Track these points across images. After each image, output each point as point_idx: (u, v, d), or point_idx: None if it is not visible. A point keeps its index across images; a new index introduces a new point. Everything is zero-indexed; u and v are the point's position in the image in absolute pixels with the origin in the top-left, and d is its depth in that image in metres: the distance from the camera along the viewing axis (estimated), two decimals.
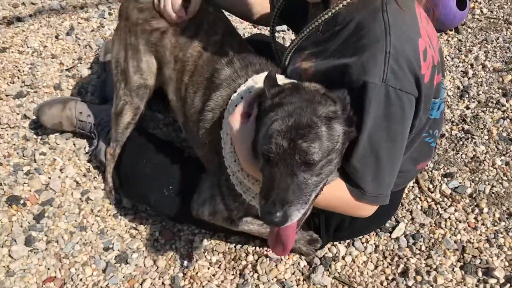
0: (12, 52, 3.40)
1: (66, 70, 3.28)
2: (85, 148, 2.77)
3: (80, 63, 3.33)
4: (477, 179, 2.59)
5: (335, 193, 1.71)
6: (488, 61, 3.25)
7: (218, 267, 2.28)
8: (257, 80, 1.85)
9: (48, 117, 2.72)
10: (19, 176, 2.60)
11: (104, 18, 3.73)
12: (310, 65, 1.82)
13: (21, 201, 2.49)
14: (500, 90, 3.05)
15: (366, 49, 1.56)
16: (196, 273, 2.25)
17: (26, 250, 2.30)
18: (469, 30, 3.50)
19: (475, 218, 2.42)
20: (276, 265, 2.25)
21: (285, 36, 3.58)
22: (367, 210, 1.80)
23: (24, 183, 2.58)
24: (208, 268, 2.28)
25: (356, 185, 1.70)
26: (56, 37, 3.52)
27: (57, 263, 2.28)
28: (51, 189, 2.57)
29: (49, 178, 2.62)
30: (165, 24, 2.15)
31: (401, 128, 1.63)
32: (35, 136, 2.84)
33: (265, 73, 1.85)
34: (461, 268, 2.24)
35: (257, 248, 2.33)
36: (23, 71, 3.25)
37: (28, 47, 3.44)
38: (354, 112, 1.56)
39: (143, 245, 2.36)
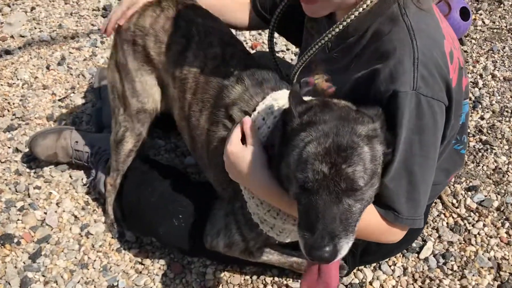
0: (1, 85, 3.23)
1: (59, 100, 3.12)
2: (82, 179, 2.59)
3: (74, 92, 3.17)
4: (503, 191, 2.44)
5: (365, 218, 1.49)
6: (497, 70, 3.15)
7: None
8: (277, 97, 1.69)
9: (42, 148, 2.54)
10: (12, 212, 2.40)
11: (96, 47, 3.59)
12: (327, 84, 1.69)
13: (15, 240, 2.28)
14: None
15: (391, 56, 1.44)
16: None
17: None
18: (473, 41, 3.42)
19: (507, 233, 2.26)
20: None
21: (285, 56, 3.46)
22: (397, 235, 1.63)
23: (18, 220, 2.38)
24: None
25: (388, 207, 1.53)
26: (47, 67, 3.37)
27: None
28: (47, 225, 2.37)
29: (45, 213, 2.42)
30: (150, 40, 2.00)
31: (434, 140, 1.49)
32: (28, 170, 2.66)
33: (285, 90, 1.72)
34: (499, 287, 2.06)
35: (276, 278, 2.14)
36: (13, 103, 3.08)
37: (18, 79, 3.28)
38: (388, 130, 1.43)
39: (151, 281, 2.16)
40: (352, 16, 1.51)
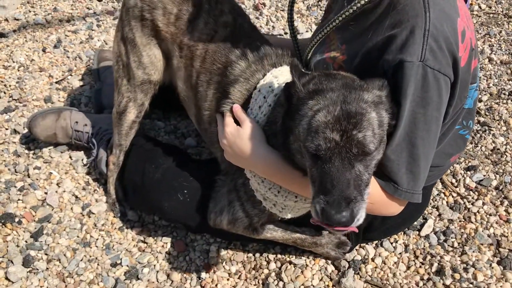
0: None
1: (56, 82, 3.09)
2: (82, 160, 2.57)
3: (71, 75, 3.15)
4: (501, 170, 2.47)
5: None
6: (494, 54, 3.18)
7: (239, 278, 2.09)
8: (277, 75, 1.70)
9: (42, 129, 2.51)
10: (12, 192, 2.38)
11: (93, 30, 3.56)
12: (340, 52, 1.69)
13: (16, 219, 2.27)
14: (510, 82, 2.97)
15: (403, 25, 1.44)
16: (216, 285, 2.05)
17: (25, 271, 2.08)
18: None
19: (506, 211, 2.29)
20: (302, 271, 2.07)
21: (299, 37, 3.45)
22: (395, 208, 1.63)
23: (18, 199, 2.36)
24: (228, 279, 2.09)
25: (388, 179, 1.55)
26: (43, 50, 3.33)
27: (61, 284, 2.06)
28: (48, 205, 2.35)
29: (45, 193, 2.40)
30: (158, 13, 1.99)
31: (437, 115, 1.50)
32: (26, 151, 2.63)
33: (285, 67, 1.73)
34: (499, 263, 2.09)
35: (279, 255, 2.15)
36: (10, 85, 3.05)
37: (13, 62, 3.24)
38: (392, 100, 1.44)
39: (154, 259, 2.16)
40: None
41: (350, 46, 1.64)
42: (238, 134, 1.65)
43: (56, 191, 2.42)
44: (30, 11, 3.74)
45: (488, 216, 2.27)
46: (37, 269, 2.09)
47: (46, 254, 2.16)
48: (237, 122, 1.70)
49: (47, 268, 2.11)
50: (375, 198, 1.56)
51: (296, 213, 1.81)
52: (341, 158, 1.29)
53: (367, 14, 1.58)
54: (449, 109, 1.57)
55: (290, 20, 1.94)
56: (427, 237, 2.21)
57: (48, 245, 2.19)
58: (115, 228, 2.28)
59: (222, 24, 1.90)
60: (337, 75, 1.47)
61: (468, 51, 1.55)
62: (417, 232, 2.23)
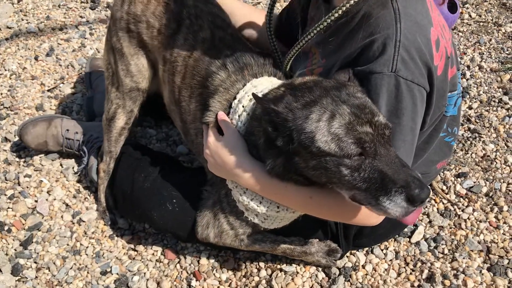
0: None
1: (48, 90, 3.09)
2: (73, 168, 2.56)
3: (63, 83, 3.15)
4: (491, 177, 2.48)
5: (347, 202, 1.48)
6: (484, 62, 3.20)
7: (229, 286, 2.09)
8: (256, 84, 1.70)
9: (33, 137, 2.51)
10: (2, 200, 2.37)
11: (85, 38, 3.57)
12: (318, 65, 1.71)
13: (6, 227, 2.26)
14: (500, 89, 2.99)
15: (375, 37, 1.47)
16: None
17: (14, 280, 2.07)
18: (460, 34, 3.47)
19: (496, 217, 2.30)
20: (292, 279, 2.07)
21: None
22: (375, 218, 1.62)
23: (8, 207, 2.35)
24: (218, 287, 2.08)
25: None
26: (36, 58, 3.33)
27: None
28: (38, 213, 2.34)
29: (36, 201, 2.40)
30: (142, 26, 2.00)
31: (412, 125, 1.51)
32: (17, 159, 2.63)
33: (266, 77, 1.73)
34: (489, 269, 2.10)
35: (270, 263, 2.15)
36: (1, 93, 3.04)
37: (5, 70, 3.23)
38: None
39: (144, 267, 2.15)
40: (352, 1, 1.50)
41: (329, 60, 1.67)
42: (220, 144, 1.65)
43: (47, 199, 2.41)
44: (22, 20, 3.74)
45: (478, 222, 2.27)
46: (26, 278, 2.08)
47: (35, 263, 2.15)
48: (221, 133, 1.70)
49: (36, 277, 2.10)
50: (356, 209, 1.56)
51: (279, 223, 1.82)
52: (381, 145, 1.33)
53: (343, 28, 1.60)
54: (426, 118, 1.59)
55: (269, 31, 1.94)
56: (417, 243, 2.21)
57: (38, 253, 2.18)
58: (105, 236, 2.27)
59: (200, 40, 1.88)
60: (306, 82, 1.49)
61: (444, 60, 1.56)
62: (408, 239, 2.23)
